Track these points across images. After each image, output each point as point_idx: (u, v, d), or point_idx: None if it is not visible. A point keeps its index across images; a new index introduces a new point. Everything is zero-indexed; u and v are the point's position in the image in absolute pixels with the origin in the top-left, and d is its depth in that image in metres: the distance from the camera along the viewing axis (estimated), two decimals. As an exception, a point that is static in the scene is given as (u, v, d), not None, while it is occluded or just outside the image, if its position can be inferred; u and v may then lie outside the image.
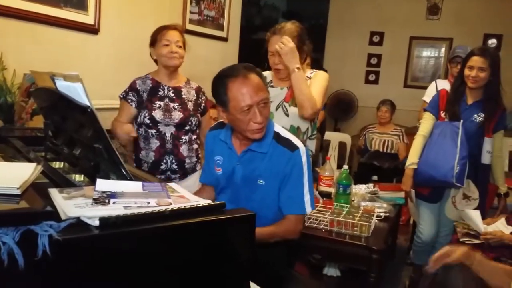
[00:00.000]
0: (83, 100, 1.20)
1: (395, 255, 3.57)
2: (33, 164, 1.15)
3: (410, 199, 2.99)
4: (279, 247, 1.78)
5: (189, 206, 1.01)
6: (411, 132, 3.81)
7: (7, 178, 0.99)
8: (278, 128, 1.79)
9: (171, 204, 1.02)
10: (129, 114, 2.37)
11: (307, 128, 2.36)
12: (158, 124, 2.35)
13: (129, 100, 2.37)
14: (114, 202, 0.99)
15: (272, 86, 2.36)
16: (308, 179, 1.73)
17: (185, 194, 1.13)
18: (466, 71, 2.59)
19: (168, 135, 2.37)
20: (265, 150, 1.71)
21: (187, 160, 2.42)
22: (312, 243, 2.55)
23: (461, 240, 2.40)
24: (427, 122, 2.79)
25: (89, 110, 1.16)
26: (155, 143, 2.37)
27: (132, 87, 2.39)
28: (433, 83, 3.66)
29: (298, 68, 2.16)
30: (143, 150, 2.39)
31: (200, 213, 1.01)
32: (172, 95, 2.40)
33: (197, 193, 1.95)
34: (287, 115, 2.31)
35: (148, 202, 1.01)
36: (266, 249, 1.62)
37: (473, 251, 1.61)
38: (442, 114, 2.71)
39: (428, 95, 3.62)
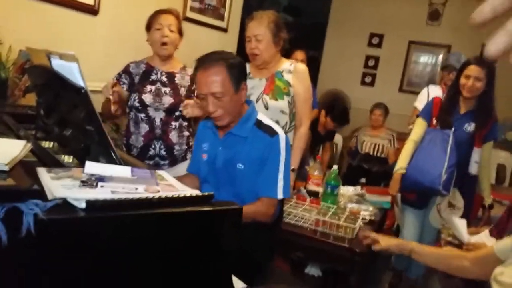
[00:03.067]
0: (78, 80, 1.19)
1: (377, 260, 3.59)
2: (23, 142, 1.14)
3: (395, 203, 3.01)
4: (262, 235, 1.81)
5: (177, 195, 1.00)
6: (402, 138, 3.83)
7: (-5, 154, 0.98)
8: (261, 116, 1.86)
9: (159, 191, 1.02)
10: (121, 92, 2.36)
11: (286, 122, 2.39)
12: (148, 108, 2.33)
13: (121, 83, 2.36)
14: (102, 186, 0.99)
15: (251, 78, 2.39)
16: (284, 166, 1.79)
17: (173, 183, 1.12)
18: (462, 80, 2.59)
19: (157, 120, 2.35)
20: (245, 134, 1.79)
21: (176, 147, 2.41)
22: (296, 241, 2.57)
23: (443, 248, 2.42)
24: (419, 128, 2.80)
25: (83, 91, 1.15)
26: (144, 128, 2.36)
27: (126, 70, 2.39)
28: (425, 89, 3.69)
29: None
30: (133, 135, 2.38)
31: (188, 203, 1.01)
32: (165, 79, 2.38)
33: (179, 179, 2.00)
34: (266, 108, 2.35)
35: (136, 188, 1.01)
36: (249, 236, 1.64)
37: (406, 241, 1.67)
38: (434, 122, 2.72)
39: (420, 101, 3.65)
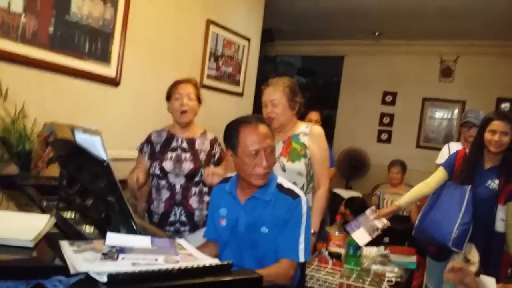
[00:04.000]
0: (100, 153, 1.23)
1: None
2: (47, 216, 1.17)
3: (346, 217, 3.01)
4: None
5: (196, 266, 1.00)
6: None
7: (21, 230, 1.01)
8: (281, 180, 1.88)
9: (178, 262, 1.02)
10: (143, 165, 2.43)
11: (303, 184, 2.39)
12: (168, 175, 2.38)
13: (143, 152, 2.44)
14: (122, 258, 1.00)
15: None
16: (306, 229, 1.78)
17: (193, 252, 1.13)
18: (488, 136, 2.57)
19: (177, 186, 2.38)
20: (269, 198, 1.79)
21: (197, 212, 2.42)
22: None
23: None
24: (437, 175, 2.80)
25: (105, 164, 1.19)
26: (165, 194, 2.39)
27: (148, 139, 2.47)
28: (446, 146, 3.66)
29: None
30: (155, 201, 2.41)
31: (207, 273, 1.01)
32: (185, 146, 2.44)
33: (199, 248, 1.99)
34: (284, 170, 2.35)
35: (156, 259, 1.02)
36: None
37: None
38: (456, 175, 2.70)
39: (442, 158, 3.62)
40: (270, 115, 2.39)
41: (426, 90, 5.96)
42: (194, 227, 2.43)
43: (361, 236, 2.80)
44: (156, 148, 2.44)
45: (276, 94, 2.39)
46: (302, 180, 2.36)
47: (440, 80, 5.89)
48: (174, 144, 2.44)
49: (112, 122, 2.90)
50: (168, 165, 2.38)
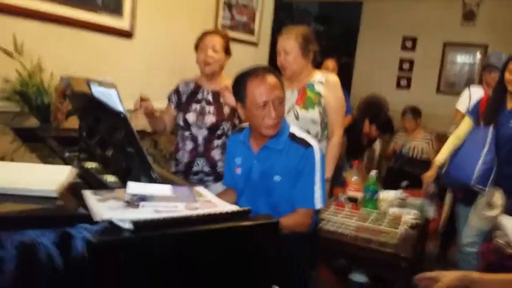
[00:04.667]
0: (117, 105, 1.25)
1: (423, 264, 3.51)
2: (69, 167, 1.20)
3: (425, 189, 3.00)
4: (301, 245, 1.83)
5: (214, 212, 1.04)
6: (442, 139, 3.74)
7: (45, 181, 1.04)
8: (294, 129, 1.89)
9: (198, 208, 1.05)
10: (170, 114, 2.48)
11: (317, 132, 2.40)
12: (191, 127, 2.41)
13: (171, 101, 2.48)
14: (144, 205, 1.04)
15: None
16: (320, 177, 1.81)
17: (212, 199, 1.16)
18: (507, 75, 2.54)
19: (200, 138, 2.41)
20: (281, 147, 1.81)
21: (220, 164, 2.44)
22: (338, 248, 2.54)
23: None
24: (465, 125, 2.82)
25: (122, 115, 1.21)
26: (189, 145, 2.42)
27: (176, 89, 2.49)
28: (466, 90, 3.59)
29: None
30: (180, 151, 2.46)
31: (226, 218, 1.04)
32: (210, 98, 2.44)
33: (219, 195, 2.04)
34: (297, 118, 2.36)
35: (176, 206, 1.05)
36: (288, 247, 1.67)
37: (467, 273, 1.53)
38: (481, 120, 2.69)
39: (462, 102, 3.56)
40: (283, 64, 2.38)
41: (447, 35, 5.76)
42: (217, 177, 2.46)
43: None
44: (182, 98, 2.45)
45: (289, 42, 2.37)
46: (316, 128, 2.37)
47: (462, 24, 5.67)
48: (199, 95, 2.44)
49: (127, 74, 2.91)
50: (191, 117, 2.40)
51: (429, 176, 2.85)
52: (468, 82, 5.52)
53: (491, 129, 2.56)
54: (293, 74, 2.40)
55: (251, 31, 4.14)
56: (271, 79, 1.75)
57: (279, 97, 1.75)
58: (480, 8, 5.58)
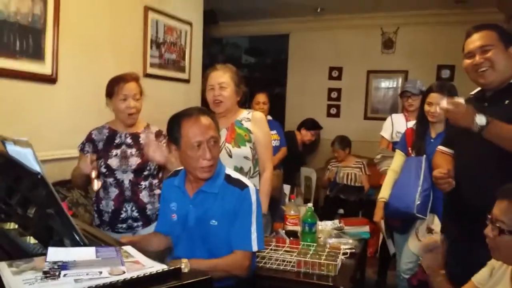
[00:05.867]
0: (33, 165, 1.18)
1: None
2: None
3: (380, 230, 3.04)
4: None
5: (142, 275, 0.99)
6: (372, 163, 3.89)
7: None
8: (229, 171, 1.88)
9: (124, 272, 1.00)
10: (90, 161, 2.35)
11: (250, 168, 2.43)
12: (115, 172, 2.32)
13: (85, 152, 2.36)
14: (65, 275, 0.97)
15: None
16: (256, 218, 1.80)
17: (140, 259, 1.11)
18: (426, 107, 2.71)
19: (126, 182, 2.34)
20: (216, 190, 1.79)
21: (149, 206, 2.39)
22: (281, 286, 2.54)
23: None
24: (397, 159, 2.91)
25: (39, 176, 1.15)
26: (114, 192, 2.34)
27: (88, 138, 2.39)
28: (389, 118, 3.81)
29: None
30: (103, 200, 2.35)
31: (155, 280, 1.00)
32: (130, 141, 2.38)
33: (147, 238, 2.02)
34: (230, 156, 2.37)
35: (100, 272, 0.99)
36: None
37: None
38: (410, 151, 2.81)
39: (385, 129, 3.77)
40: (217, 98, 2.38)
41: (370, 63, 6.08)
42: (147, 222, 2.40)
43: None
44: (98, 146, 2.36)
45: (225, 77, 2.40)
46: (248, 164, 2.40)
47: (383, 52, 6.02)
48: (117, 140, 2.37)
49: (52, 121, 2.79)
50: (114, 162, 2.32)
51: (378, 216, 2.88)
52: (393, 107, 5.84)
53: (423, 158, 2.68)
54: (226, 110, 2.42)
55: (181, 69, 4.13)
56: (205, 119, 1.75)
57: (214, 137, 1.75)
58: (398, 35, 5.95)
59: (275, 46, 7.48)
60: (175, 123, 1.77)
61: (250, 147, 2.40)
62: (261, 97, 4.10)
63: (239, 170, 2.34)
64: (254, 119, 2.45)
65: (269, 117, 4.18)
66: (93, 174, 2.17)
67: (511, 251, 1.35)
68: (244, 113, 2.47)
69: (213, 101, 2.40)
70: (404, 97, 3.57)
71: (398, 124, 3.64)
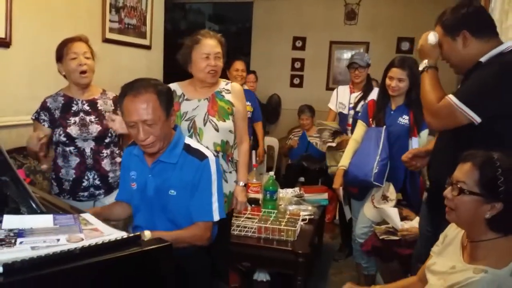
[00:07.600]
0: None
1: (321, 254, 3.71)
2: None
3: (338, 197, 3.13)
4: (201, 256, 1.83)
5: (101, 242, 0.99)
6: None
7: None
8: (189, 140, 1.86)
9: (82, 239, 1.00)
10: (44, 133, 2.25)
11: (233, 140, 2.40)
12: (76, 140, 2.27)
13: (41, 120, 2.28)
14: (21, 242, 0.96)
15: (188, 99, 2.31)
16: (217, 188, 1.81)
17: (99, 226, 1.11)
18: (387, 81, 2.77)
19: (87, 150, 2.29)
20: (175, 160, 1.77)
21: (111, 174, 2.36)
22: (243, 251, 2.61)
23: (380, 237, 2.55)
24: (359, 128, 2.97)
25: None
26: (74, 160, 2.29)
27: (43, 106, 2.30)
28: (335, 89, 3.90)
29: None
30: (63, 169, 2.30)
31: (113, 248, 1.00)
32: (87, 108, 2.32)
33: (111, 207, 2.02)
34: (217, 130, 2.27)
35: (58, 240, 0.99)
36: (189, 258, 1.70)
37: (354, 284, 1.77)
38: (371, 122, 2.87)
39: (331, 101, 3.89)
40: (214, 68, 2.25)
41: (333, 34, 6.09)
42: (109, 190, 2.38)
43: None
44: (55, 114, 2.28)
45: (219, 47, 2.28)
46: (232, 137, 2.34)
47: (346, 23, 6.04)
48: (74, 107, 2.31)
49: (6, 87, 2.68)
50: (73, 130, 2.26)
51: (338, 183, 2.92)
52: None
53: (383, 129, 2.76)
54: (209, 83, 2.32)
55: (142, 34, 4.02)
56: (142, 98, 1.64)
57: (148, 120, 1.65)
58: (360, 7, 5.97)
59: (240, 14, 7.37)
60: (120, 96, 1.71)
61: (232, 120, 2.34)
62: (239, 65, 4.06)
63: (225, 143, 2.29)
64: (234, 91, 2.36)
65: (245, 87, 4.15)
66: (41, 153, 2.12)
67: (467, 212, 1.38)
68: (222, 84, 2.37)
69: (209, 70, 2.28)
70: (351, 68, 3.64)
71: (341, 96, 3.78)
